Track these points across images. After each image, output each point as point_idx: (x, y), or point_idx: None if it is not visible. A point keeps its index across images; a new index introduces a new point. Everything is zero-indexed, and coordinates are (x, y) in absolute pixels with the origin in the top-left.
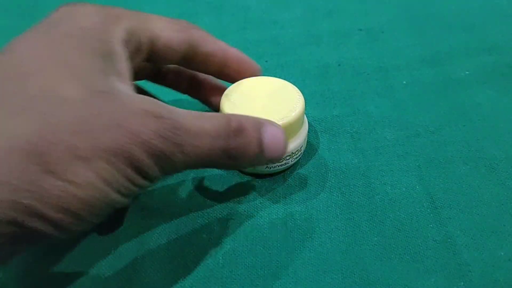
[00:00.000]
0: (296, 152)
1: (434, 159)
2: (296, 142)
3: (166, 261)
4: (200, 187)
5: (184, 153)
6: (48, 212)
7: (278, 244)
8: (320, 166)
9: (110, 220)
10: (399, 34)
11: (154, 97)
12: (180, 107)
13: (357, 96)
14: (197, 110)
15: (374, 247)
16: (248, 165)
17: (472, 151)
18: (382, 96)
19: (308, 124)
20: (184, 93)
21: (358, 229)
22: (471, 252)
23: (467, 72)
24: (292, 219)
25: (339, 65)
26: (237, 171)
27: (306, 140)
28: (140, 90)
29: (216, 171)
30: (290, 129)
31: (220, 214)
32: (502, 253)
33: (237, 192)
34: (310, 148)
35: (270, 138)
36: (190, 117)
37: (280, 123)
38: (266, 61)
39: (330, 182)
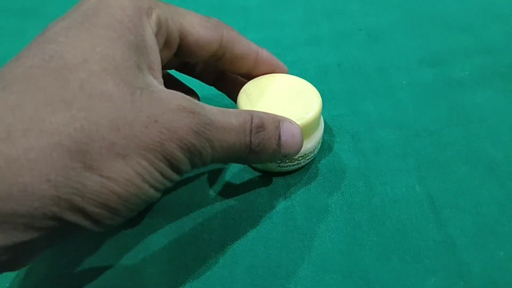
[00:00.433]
0: (309, 154)
1: (434, 160)
2: (310, 144)
3: (166, 261)
4: (200, 187)
5: (213, 147)
6: (88, 207)
7: (278, 244)
8: (320, 166)
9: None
10: (399, 35)
11: (182, 84)
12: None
13: (357, 96)
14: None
15: (374, 247)
16: (266, 160)
17: (472, 152)
18: (382, 96)
19: None
20: (211, 85)
21: (358, 229)
22: (471, 252)
23: (467, 72)
24: (292, 219)
25: (339, 65)
26: (250, 167)
27: (320, 143)
28: (168, 76)
29: (216, 170)
30: (305, 130)
31: (220, 214)
32: (502, 253)
33: (237, 192)
34: None
35: (287, 135)
36: (219, 113)
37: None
38: None
39: (330, 182)
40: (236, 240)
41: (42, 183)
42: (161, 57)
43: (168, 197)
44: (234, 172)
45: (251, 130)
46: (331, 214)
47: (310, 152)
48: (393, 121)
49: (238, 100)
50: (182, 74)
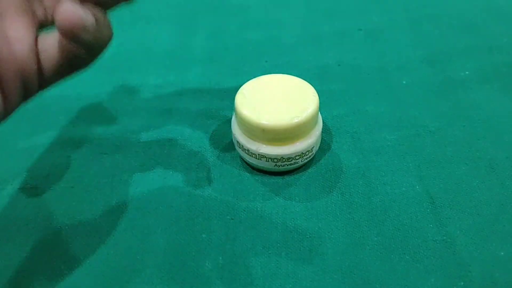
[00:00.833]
0: (307, 153)
1: (434, 159)
2: (307, 142)
3: (166, 261)
4: (200, 187)
5: None
6: None
7: (278, 244)
8: (320, 166)
9: None
10: (399, 34)
11: None
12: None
13: (357, 96)
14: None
15: (374, 247)
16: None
17: (472, 151)
18: (382, 96)
19: None
20: None
21: (358, 229)
22: (471, 252)
23: (467, 72)
24: (292, 219)
25: (339, 65)
26: (249, 167)
27: (319, 142)
28: None
29: (216, 170)
30: (301, 129)
31: (220, 214)
32: (502, 253)
33: (237, 192)
34: None
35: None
36: None
37: (291, 122)
38: (266, 61)
39: (330, 182)
40: (236, 240)
41: None
42: None
43: (167, 197)
44: (234, 172)
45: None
46: (331, 214)
47: (307, 151)
48: (393, 121)
49: (235, 100)
50: None
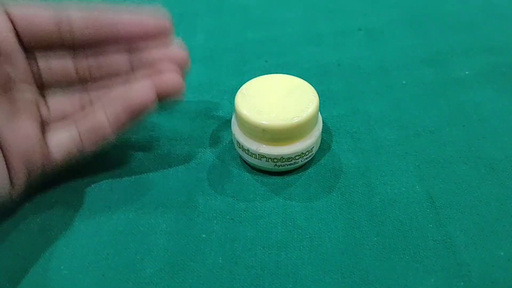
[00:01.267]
0: (307, 153)
1: (434, 159)
2: (307, 142)
3: (165, 261)
4: (199, 187)
5: None
6: None
7: (278, 244)
8: (320, 166)
9: None
10: (399, 34)
11: None
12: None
13: (357, 96)
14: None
15: (374, 247)
16: None
17: (472, 151)
18: (382, 96)
19: None
20: None
21: (358, 229)
22: (471, 252)
23: (467, 72)
24: (292, 219)
25: (339, 65)
26: (249, 167)
27: (319, 142)
28: None
29: (215, 170)
30: (301, 129)
31: (220, 214)
32: (502, 253)
33: (236, 192)
34: None
35: None
36: None
37: (291, 122)
38: (266, 61)
39: (330, 182)
40: (236, 240)
41: None
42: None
43: (167, 197)
44: (234, 172)
45: None
46: (331, 214)
47: (307, 151)
48: (393, 120)
49: (235, 100)
50: None
